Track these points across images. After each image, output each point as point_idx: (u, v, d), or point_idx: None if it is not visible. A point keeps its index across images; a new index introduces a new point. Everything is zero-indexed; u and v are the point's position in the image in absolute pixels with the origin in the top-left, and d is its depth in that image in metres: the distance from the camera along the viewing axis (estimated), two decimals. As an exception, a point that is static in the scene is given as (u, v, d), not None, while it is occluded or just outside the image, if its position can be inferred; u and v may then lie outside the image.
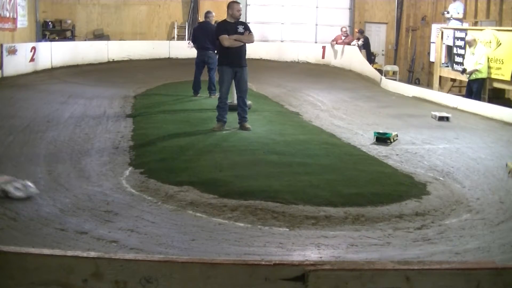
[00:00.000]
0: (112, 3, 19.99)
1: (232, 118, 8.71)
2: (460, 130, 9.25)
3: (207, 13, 12.24)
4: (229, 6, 8.62)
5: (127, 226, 4.58)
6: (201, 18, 17.23)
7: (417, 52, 18.24)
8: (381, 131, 8.27)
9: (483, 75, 11.94)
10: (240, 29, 8.52)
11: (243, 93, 8.65)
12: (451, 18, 14.35)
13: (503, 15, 14.00)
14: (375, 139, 8.04)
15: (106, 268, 1.77)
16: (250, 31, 8.64)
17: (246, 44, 8.59)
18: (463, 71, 12.41)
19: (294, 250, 4.26)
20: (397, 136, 8.28)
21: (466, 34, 12.92)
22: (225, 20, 8.65)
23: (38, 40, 17.83)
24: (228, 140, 7.88)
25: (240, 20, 8.73)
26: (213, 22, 11.99)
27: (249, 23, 17.32)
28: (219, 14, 18.10)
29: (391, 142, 7.98)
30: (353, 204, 5.17)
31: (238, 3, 8.73)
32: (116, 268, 1.77)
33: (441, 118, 10.27)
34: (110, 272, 1.77)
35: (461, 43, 13.29)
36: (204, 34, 11.75)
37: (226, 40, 8.40)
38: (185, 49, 17.65)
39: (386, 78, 15.92)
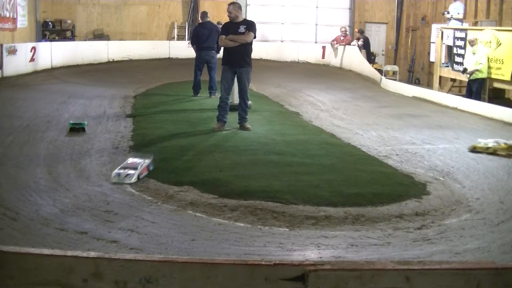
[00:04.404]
0: (112, 3, 20.00)
1: (232, 118, 8.70)
2: (460, 130, 9.24)
3: (206, 14, 12.30)
4: None
5: (127, 226, 4.57)
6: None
7: (417, 52, 18.24)
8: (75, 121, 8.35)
9: (483, 75, 11.94)
10: (242, 29, 8.51)
11: (243, 93, 8.65)
12: (451, 18, 14.35)
13: (503, 15, 14.01)
14: (68, 130, 8.05)
15: (106, 268, 1.77)
16: (249, 30, 8.58)
17: (248, 45, 8.57)
18: (464, 70, 12.41)
19: (294, 250, 4.26)
20: None
21: (466, 34, 12.93)
22: (230, 21, 8.74)
23: (38, 40, 17.83)
24: (228, 140, 7.87)
25: (245, 19, 8.77)
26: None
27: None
28: (219, 14, 18.13)
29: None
30: (353, 204, 5.17)
31: (231, 4, 8.73)
32: (116, 268, 1.78)
33: None
34: (110, 272, 1.77)
35: (461, 43, 13.30)
36: (209, 34, 11.76)
37: (221, 40, 8.68)
38: (185, 49, 17.64)
39: (386, 78, 15.92)
